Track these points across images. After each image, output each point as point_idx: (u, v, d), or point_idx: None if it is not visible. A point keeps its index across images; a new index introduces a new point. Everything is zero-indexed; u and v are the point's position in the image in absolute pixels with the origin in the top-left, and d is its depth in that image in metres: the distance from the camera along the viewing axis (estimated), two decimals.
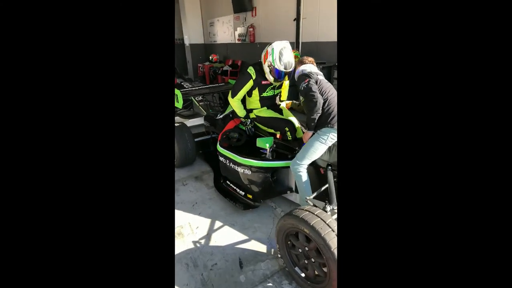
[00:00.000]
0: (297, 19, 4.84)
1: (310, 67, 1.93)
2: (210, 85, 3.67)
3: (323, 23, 4.46)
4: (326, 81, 1.88)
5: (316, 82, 1.78)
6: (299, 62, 1.97)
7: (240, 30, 6.51)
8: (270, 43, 2.04)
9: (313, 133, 1.80)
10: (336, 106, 1.77)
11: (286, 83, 2.34)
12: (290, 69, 2.01)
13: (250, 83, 2.11)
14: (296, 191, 2.01)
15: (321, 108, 1.73)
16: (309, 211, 1.32)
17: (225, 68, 6.82)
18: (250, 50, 6.43)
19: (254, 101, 2.23)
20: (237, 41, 6.75)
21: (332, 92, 1.81)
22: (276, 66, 1.96)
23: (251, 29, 6.10)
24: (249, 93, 2.21)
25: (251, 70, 2.10)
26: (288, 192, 2.12)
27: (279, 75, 2.00)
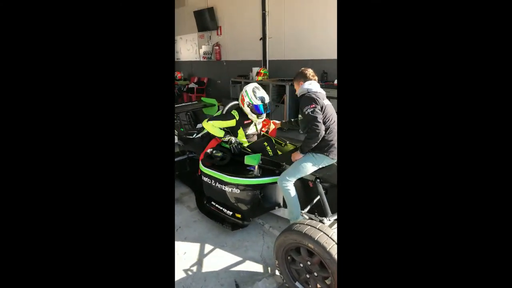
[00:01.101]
0: (263, 38, 5.05)
1: (315, 86, 1.83)
2: (184, 104, 3.58)
3: (288, 42, 4.72)
4: (330, 104, 1.83)
5: (321, 109, 1.73)
6: (301, 76, 1.89)
7: (205, 48, 6.55)
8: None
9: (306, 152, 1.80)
10: (336, 135, 1.74)
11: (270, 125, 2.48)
12: (267, 101, 2.19)
13: (232, 122, 2.23)
14: (285, 206, 2.03)
15: (320, 139, 1.70)
16: (310, 226, 1.34)
17: (191, 86, 6.74)
18: (216, 68, 6.49)
19: (241, 140, 2.30)
20: (202, 59, 6.76)
21: (333, 119, 1.78)
22: (254, 103, 2.14)
23: (217, 47, 6.18)
24: (235, 133, 2.29)
25: (234, 112, 2.25)
26: (276, 207, 2.12)
27: (259, 110, 2.15)
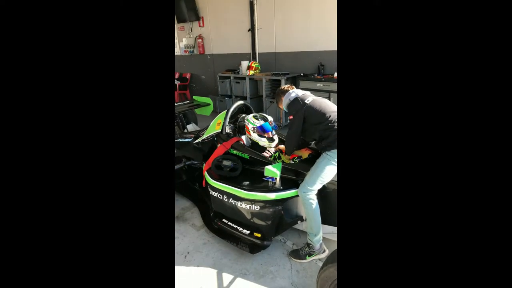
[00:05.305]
0: (252, 30, 4.70)
1: (294, 91, 1.87)
2: (176, 103, 3.18)
3: (280, 33, 4.41)
4: (318, 98, 1.80)
5: (304, 113, 1.71)
6: (279, 94, 1.95)
7: (186, 41, 6.06)
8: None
9: (321, 155, 1.67)
10: None
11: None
12: (270, 119, 2.10)
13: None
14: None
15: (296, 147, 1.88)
16: None
17: None
18: (200, 62, 6.04)
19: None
20: (183, 53, 6.26)
21: (332, 108, 1.71)
22: (258, 125, 2.05)
23: (200, 40, 5.73)
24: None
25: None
26: (299, 221, 1.86)
27: (266, 129, 2.03)
